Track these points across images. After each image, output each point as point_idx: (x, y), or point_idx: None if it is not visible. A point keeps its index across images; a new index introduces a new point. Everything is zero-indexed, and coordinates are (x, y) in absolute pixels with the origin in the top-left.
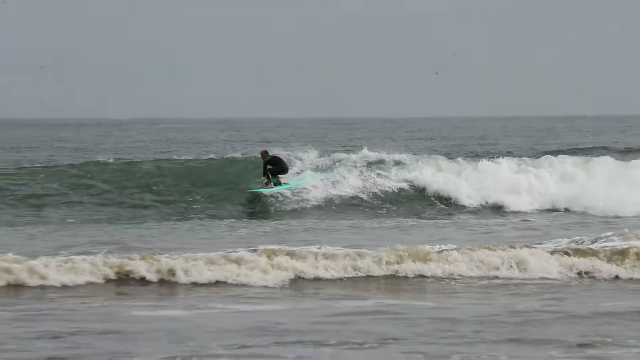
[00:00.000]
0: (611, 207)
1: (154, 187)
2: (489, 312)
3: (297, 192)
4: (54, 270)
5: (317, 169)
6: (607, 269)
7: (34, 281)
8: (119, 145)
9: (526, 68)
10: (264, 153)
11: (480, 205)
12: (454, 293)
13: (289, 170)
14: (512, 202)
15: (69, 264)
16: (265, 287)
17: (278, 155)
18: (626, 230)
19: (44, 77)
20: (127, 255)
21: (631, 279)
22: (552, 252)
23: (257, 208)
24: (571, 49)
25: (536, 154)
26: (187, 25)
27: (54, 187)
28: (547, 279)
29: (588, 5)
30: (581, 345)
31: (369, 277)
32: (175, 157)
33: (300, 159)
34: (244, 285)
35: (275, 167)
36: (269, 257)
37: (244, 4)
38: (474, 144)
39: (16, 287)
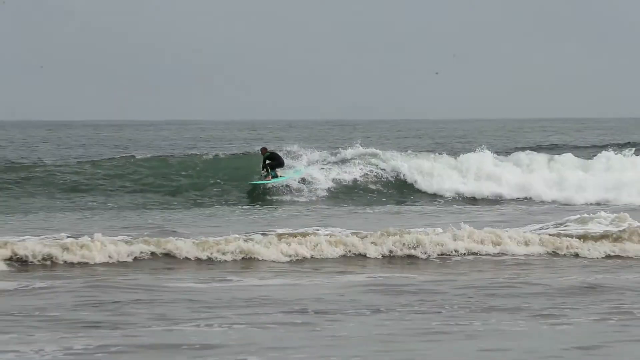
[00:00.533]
0: (569, 197)
1: (183, 173)
2: (467, 285)
3: (301, 182)
4: (99, 248)
5: (318, 162)
6: (567, 247)
7: (82, 258)
8: (154, 143)
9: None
10: (264, 149)
11: (462, 193)
12: (438, 268)
13: (285, 164)
14: (488, 192)
15: (112, 243)
16: (274, 263)
17: (275, 152)
18: (585, 214)
19: (57, 81)
20: (161, 236)
21: (586, 257)
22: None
23: (268, 196)
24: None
25: (508, 150)
26: (192, 32)
27: (97, 178)
28: (519, 255)
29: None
30: (544, 315)
31: (366, 256)
32: (198, 152)
33: (304, 154)
34: (257, 261)
35: (273, 162)
36: (279, 238)
37: (248, 15)
38: (455, 141)
39: (66, 264)
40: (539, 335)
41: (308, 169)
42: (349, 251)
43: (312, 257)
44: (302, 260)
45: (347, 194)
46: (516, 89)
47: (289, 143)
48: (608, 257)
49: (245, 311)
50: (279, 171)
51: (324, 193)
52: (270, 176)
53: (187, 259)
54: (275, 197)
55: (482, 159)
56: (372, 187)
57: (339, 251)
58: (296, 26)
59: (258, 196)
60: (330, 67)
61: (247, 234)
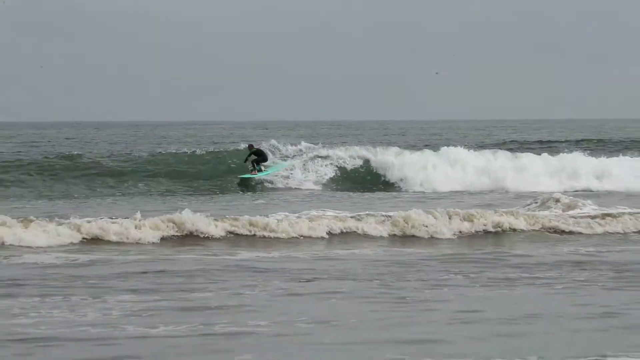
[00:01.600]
0: (531, 187)
1: (207, 158)
2: (438, 257)
3: (299, 173)
4: (134, 228)
5: (311, 156)
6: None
7: (121, 236)
8: (184, 139)
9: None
10: (250, 146)
11: (442, 184)
12: (417, 243)
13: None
14: (466, 182)
15: (145, 224)
16: (279, 239)
17: (260, 148)
18: (544, 195)
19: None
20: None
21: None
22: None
23: (270, 184)
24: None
25: (478, 147)
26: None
27: (134, 168)
28: (491, 232)
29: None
30: (508, 285)
31: (356, 233)
32: (220, 147)
33: (302, 150)
34: (261, 238)
35: (259, 157)
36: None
37: (261, 31)
38: (434, 139)
39: (107, 242)
40: (504, 299)
41: (306, 162)
42: (343, 229)
43: (304, 236)
44: (303, 239)
45: (339, 182)
46: (483, 93)
47: (294, 139)
48: (548, 230)
49: (249, 281)
50: (263, 166)
51: (320, 181)
52: (256, 170)
53: (206, 237)
54: (278, 185)
55: (459, 153)
56: (362, 178)
57: (336, 229)
58: (299, 41)
59: (263, 184)
60: (327, 75)
61: (263, 216)
